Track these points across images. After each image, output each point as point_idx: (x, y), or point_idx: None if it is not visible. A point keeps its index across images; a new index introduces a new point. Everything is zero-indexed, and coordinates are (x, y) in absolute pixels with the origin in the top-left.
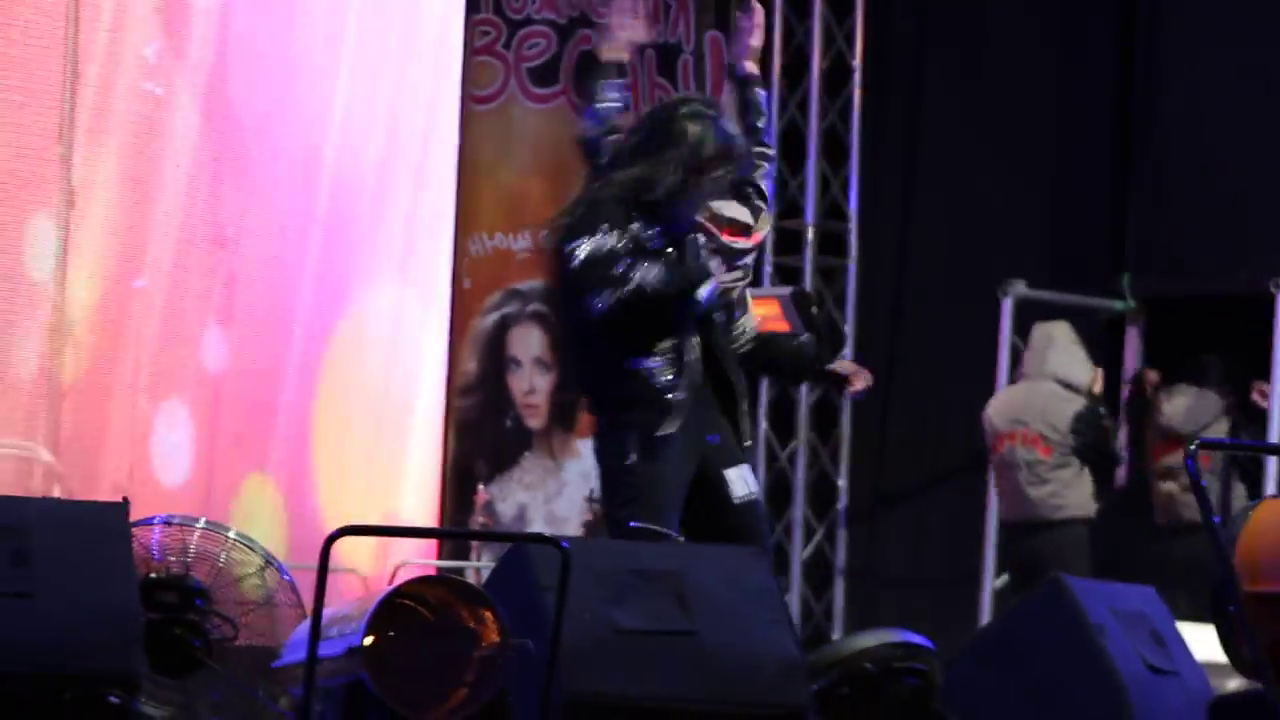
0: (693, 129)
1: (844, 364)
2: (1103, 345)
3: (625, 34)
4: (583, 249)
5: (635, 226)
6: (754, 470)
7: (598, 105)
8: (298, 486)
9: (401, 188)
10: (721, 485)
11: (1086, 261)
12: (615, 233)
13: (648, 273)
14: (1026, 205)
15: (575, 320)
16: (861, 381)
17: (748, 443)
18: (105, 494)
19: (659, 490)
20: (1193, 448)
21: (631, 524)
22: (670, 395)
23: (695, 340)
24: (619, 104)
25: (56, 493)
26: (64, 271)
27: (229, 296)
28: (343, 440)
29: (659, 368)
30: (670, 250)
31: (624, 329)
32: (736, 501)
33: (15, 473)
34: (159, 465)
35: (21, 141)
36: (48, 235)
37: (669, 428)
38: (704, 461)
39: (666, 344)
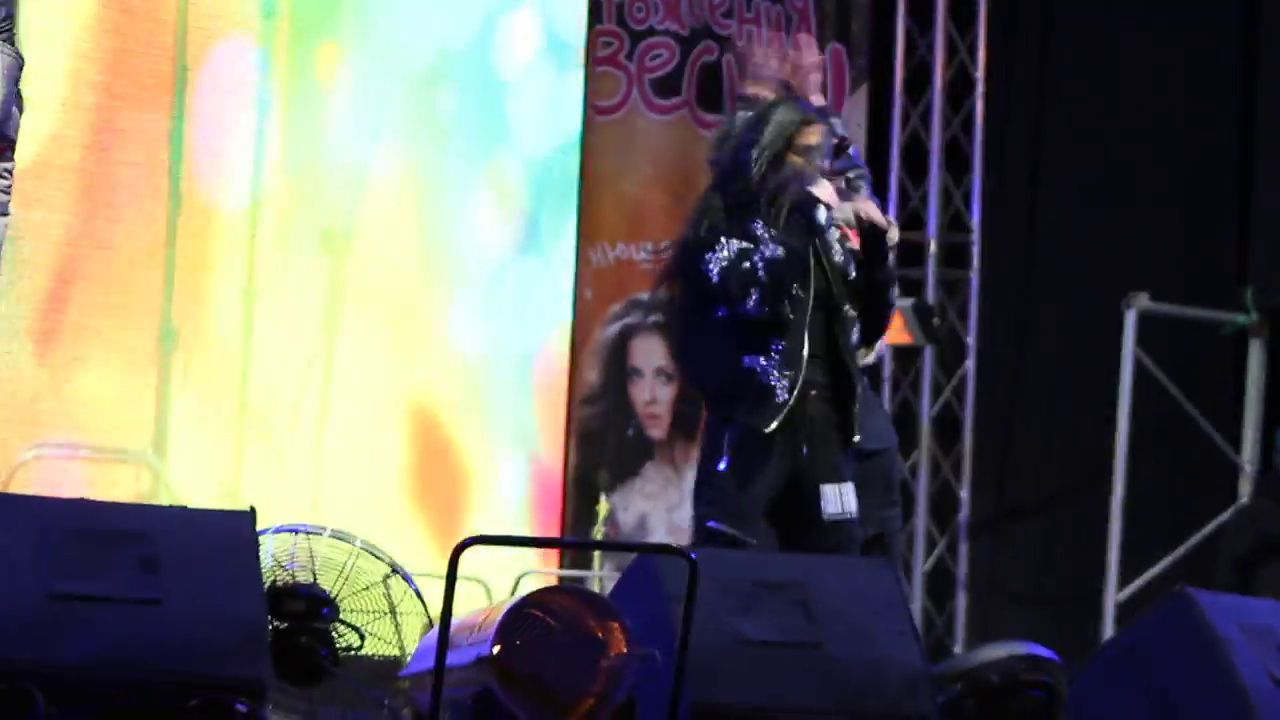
0: (772, 114)
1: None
2: (1226, 358)
3: (767, 72)
4: (713, 264)
5: (751, 225)
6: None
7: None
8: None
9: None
10: (814, 500)
11: (1211, 274)
12: (733, 239)
13: (768, 253)
14: (1151, 217)
15: (697, 324)
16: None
17: (857, 437)
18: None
19: (744, 494)
20: None
21: (710, 524)
22: (777, 393)
23: (808, 341)
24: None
25: (164, 500)
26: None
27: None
28: (465, 447)
29: (771, 366)
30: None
31: (747, 327)
32: (825, 519)
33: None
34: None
35: None
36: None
37: (769, 425)
38: (799, 471)
39: (782, 343)
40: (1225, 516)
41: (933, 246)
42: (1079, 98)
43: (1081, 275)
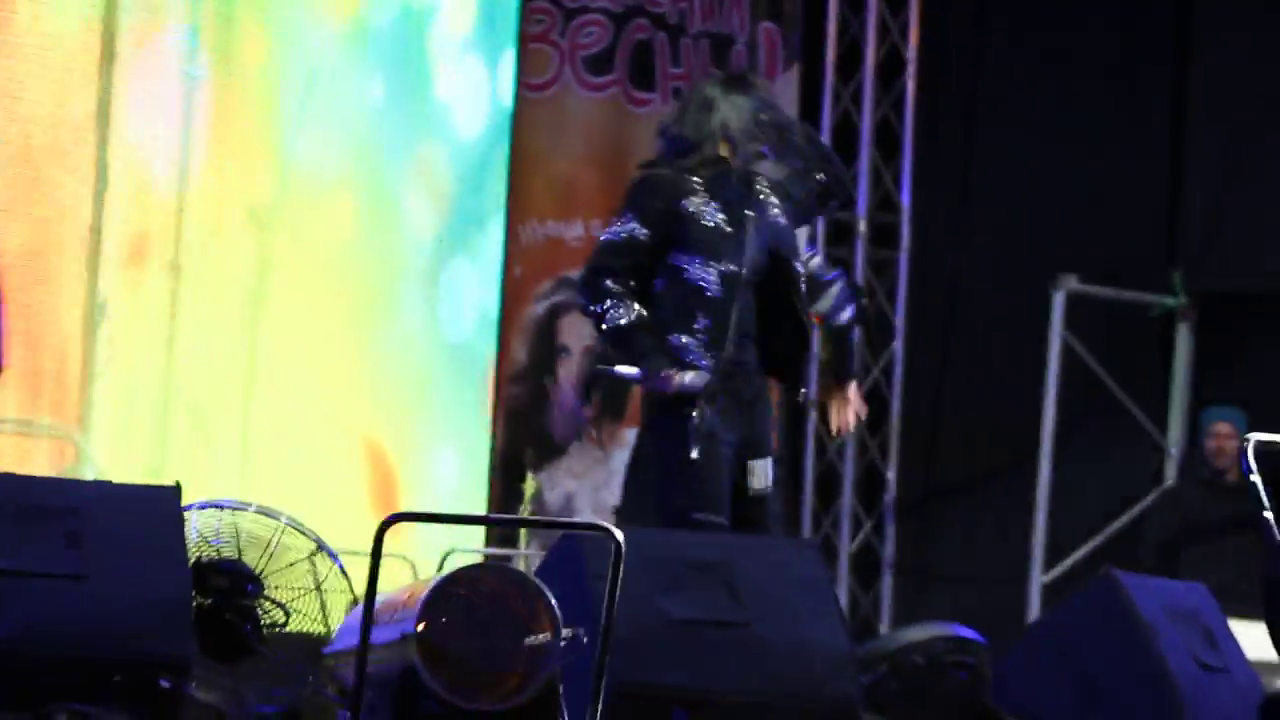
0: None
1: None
2: (1153, 341)
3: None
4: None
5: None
6: (794, 461)
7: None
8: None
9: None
10: (742, 473)
11: (1139, 257)
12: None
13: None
14: (1080, 199)
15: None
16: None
17: (804, 389)
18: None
19: (715, 479)
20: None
21: (695, 516)
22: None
23: (735, 315)
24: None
25: (89, 475)
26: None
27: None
28: (391, 426)
29: (693, 344)
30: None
31: (672, 303)
32: (751, 493)
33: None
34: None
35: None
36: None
37: (708, 415)
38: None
39: (707, 321)
40: (1149, 500)
41: (862, 226)
42: (1010, 79)
43: (1010, 257)
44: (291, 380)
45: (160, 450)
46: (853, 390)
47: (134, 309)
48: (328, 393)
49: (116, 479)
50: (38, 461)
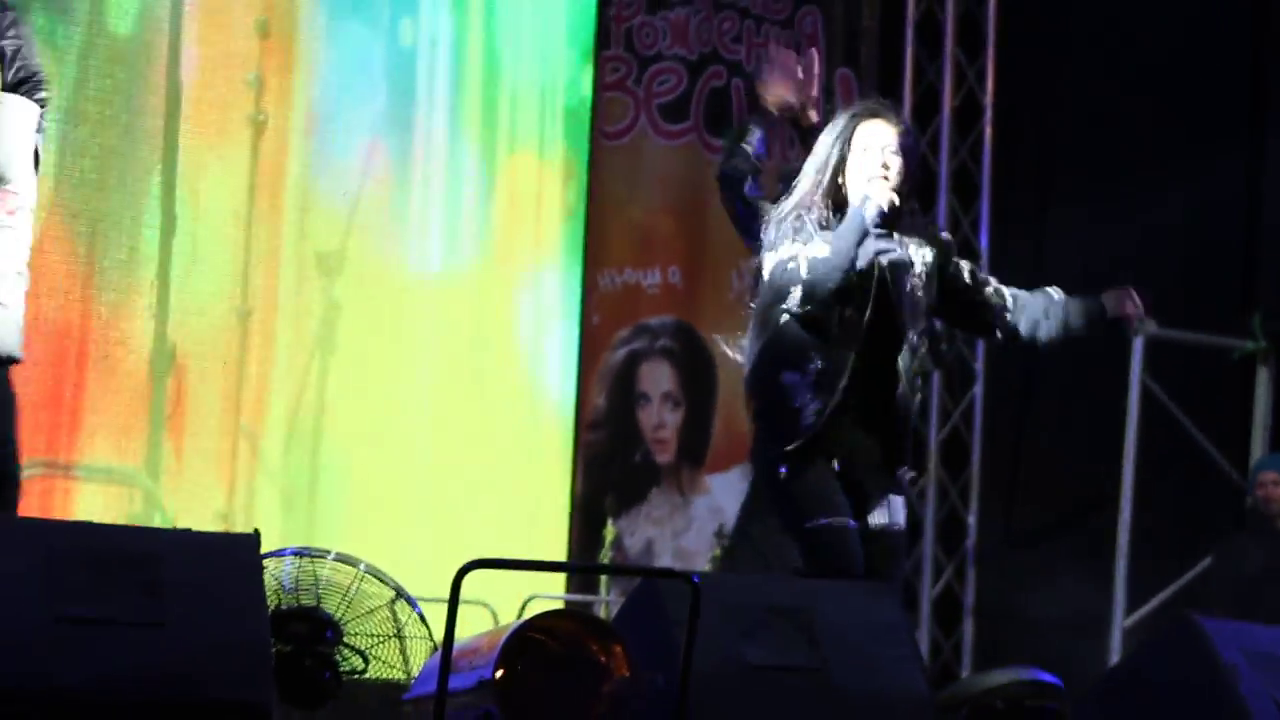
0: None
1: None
2: (1233, 385)
3: (781, 90)
4: (766, 262)
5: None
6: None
7: (745, 144)
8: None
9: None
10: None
11: (1218, 301)
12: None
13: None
14: (1159, 243)
15: (758, 332)
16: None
17: (908, 471)
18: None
19: (818, 487)
20: None
21: (808, 525)
22: (804, 416)
23: (849, 361)
24: (761, 148)
25: (158, 521)
26: (167, 296)
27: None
28: (475, 474)
29: (804, 386)
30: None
31: (791, 343)
32: (871, 527)
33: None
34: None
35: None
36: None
37: (789, 446)
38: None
39: (820, 363)
40: (1207, 561)
41: None
42: (1086, 123)
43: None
44: (362, 425)
45: (228, 497)
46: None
47: (201, 354)
48: (404, 438)
49: (184, 525)
50: (107, 509)
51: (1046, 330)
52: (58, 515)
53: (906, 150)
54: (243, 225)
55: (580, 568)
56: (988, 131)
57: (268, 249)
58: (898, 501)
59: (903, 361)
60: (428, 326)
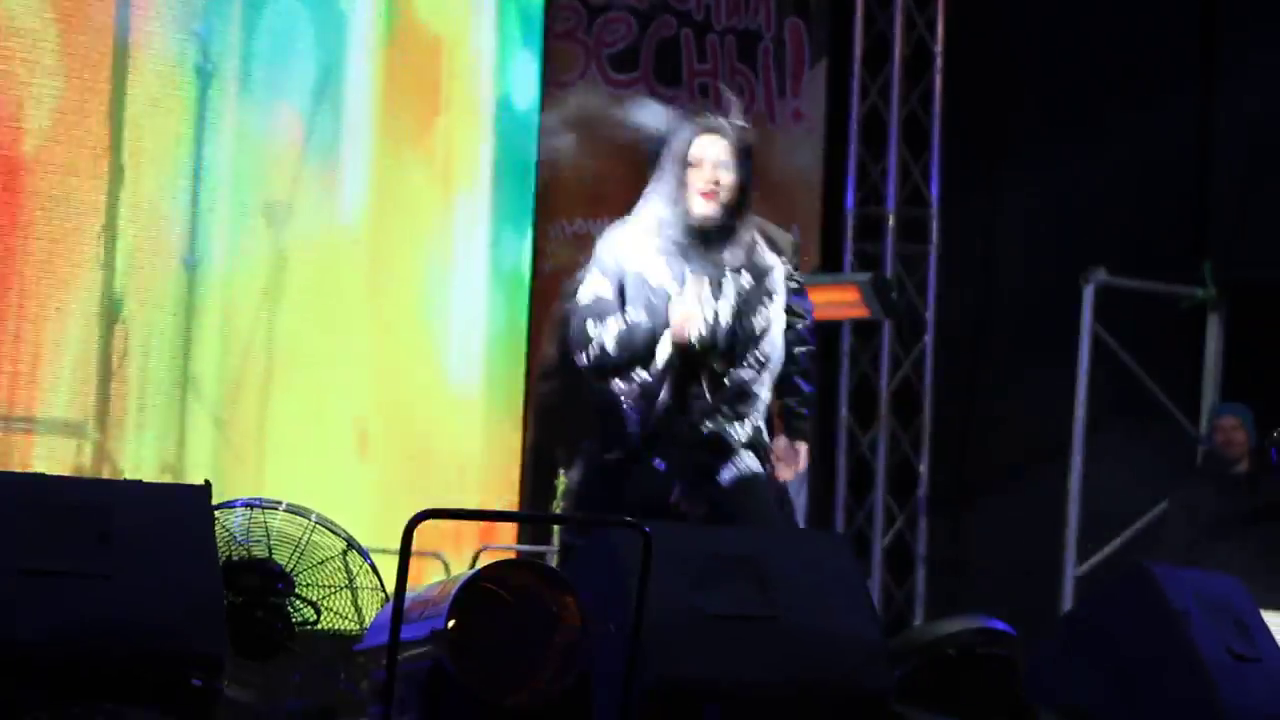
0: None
1: (778, 447)
2: (1184, 333)
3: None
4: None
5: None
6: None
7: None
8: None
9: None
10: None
11: (1169, 249)
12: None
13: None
14: (1110, 192)
15: None
16: (787, 471)
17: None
18: (152, 475)
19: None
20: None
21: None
22: (628, 424)
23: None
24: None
25: (106, 473)
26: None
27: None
28: (425, 425)
29: (628, 396)
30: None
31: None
32: (723, 484)
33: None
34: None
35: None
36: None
37: (613, 454)
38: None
39: (644, 375)
40: (1159, 509)
41: (891, 221)
42: (1038, 72)
43: (1040, 249)
44: (311, 376)
45: (178, 448)
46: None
47: (149, 306)
48: (352, 388)
49: (134, 477)
50: (57, 460)
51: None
52: (4, 468)
53: (739, 161)
54: (190, 175)
55: (532, 518)
56: (938, 80)
57: (215, 199)
58: (744, 458)
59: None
60: (374, 277)
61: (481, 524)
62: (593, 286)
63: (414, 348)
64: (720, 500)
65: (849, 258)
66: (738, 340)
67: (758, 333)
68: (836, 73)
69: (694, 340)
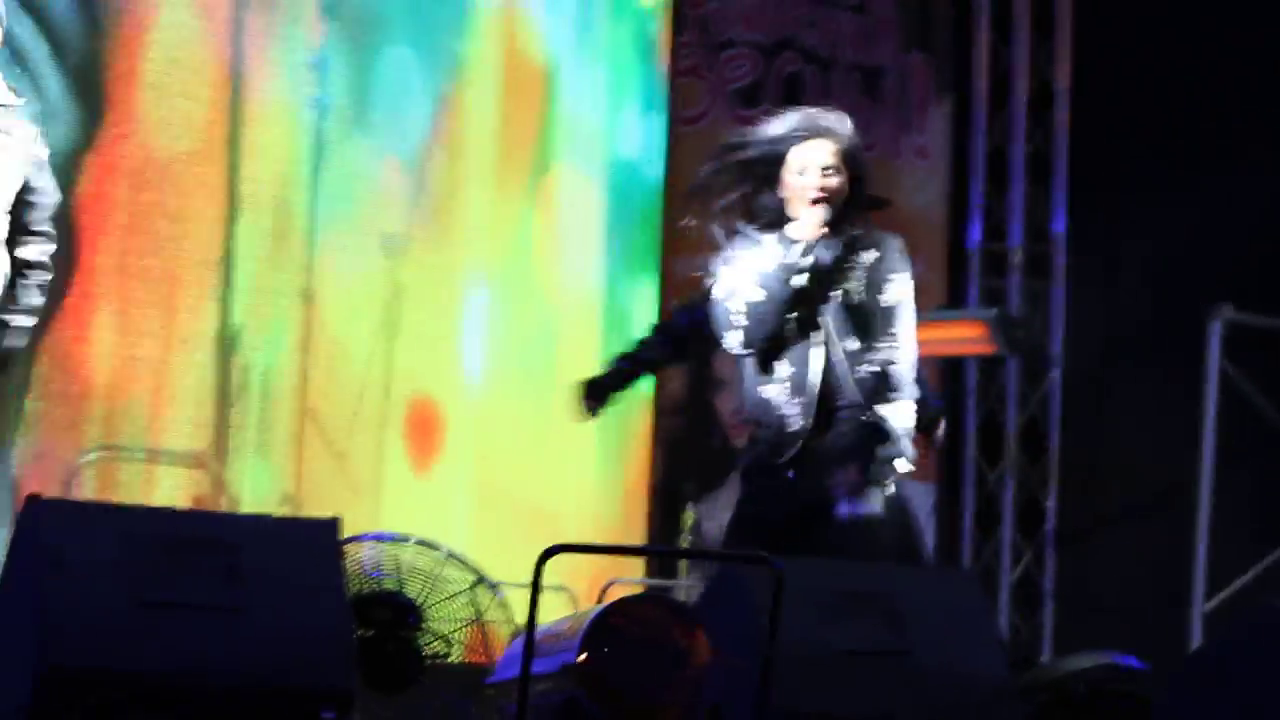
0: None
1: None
2: None
3: None
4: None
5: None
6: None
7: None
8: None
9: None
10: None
11: None
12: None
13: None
14: (1237, 227)
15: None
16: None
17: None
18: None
19: (743, 521)
20: None
21: None
22: (790, 422)
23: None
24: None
25: (224, 504)
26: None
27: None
28: (554, 460)
29: (780, 395)
30: None
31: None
32: (841, 520)
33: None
34: None
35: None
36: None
37: (781, 457)
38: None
39: (788, 368)
40: None
41: (1016, 257)
42: (1164, 106)
43: (1166, 285)
44: (431, 406)
45: (295, 478)
46: None
47: (267, 335)
48: (480, 424)
49: (251, 507)
50: (174, 491)
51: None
52: (125, 498)
53: (846, 165)
54: (305, 207)
55: (666, 552)
56: (1063, 115)
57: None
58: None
59: (851, 363)
60: (503, 313)
61: (608, 558)
62: (724, 283)
63: (541, 382)
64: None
65: (974, 293)
66: (872, 316)
67: (890, 305)
68: (960, 109)
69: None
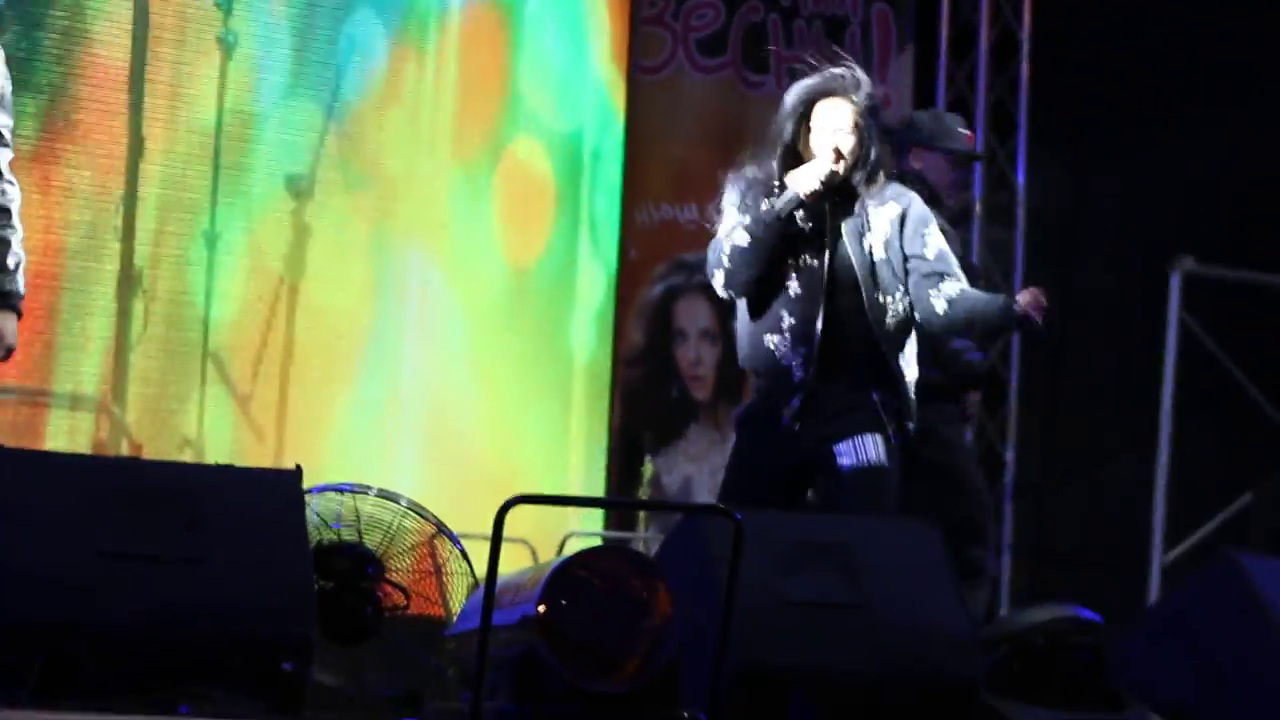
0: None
1: (1022, 297)
2: (1274, 322)
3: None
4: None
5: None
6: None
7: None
8: (463, 454)
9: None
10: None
11: (1260, 237)
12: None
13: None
14: (1200, 178)
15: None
16: (1037, 308)
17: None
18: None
19: (738, 471)
20: None
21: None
22: (794, 372)
23: (819, 313)
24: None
25: (125, 448)
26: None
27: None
28: (512, 408)
29: (784, 344)
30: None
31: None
32: (844, 472)
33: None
34: None
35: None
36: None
37: (782, 407)
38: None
39: (791, 320)
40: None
41: (977, 208)
42: (1125, 57)
43: (1128, 237)
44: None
45: (196, 423)
46: None
47: (169, 280)
48: (435, 372)
49: (151, 455)
50: (75, 435)
51: (967, 323)
52: (26, 443)
53: (864, 125)
54: (211, 149)
55: (620, 503)
56: (1024, 66)
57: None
58: (868, 441)
59: (872, 315)
60: (456, 263)
61: (567, 510)
62: (728, 221)
63: (497, 333)
64: (835, 491)
65: None
66: (893, 269)
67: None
68: (923, 59)
69: (829, 174)
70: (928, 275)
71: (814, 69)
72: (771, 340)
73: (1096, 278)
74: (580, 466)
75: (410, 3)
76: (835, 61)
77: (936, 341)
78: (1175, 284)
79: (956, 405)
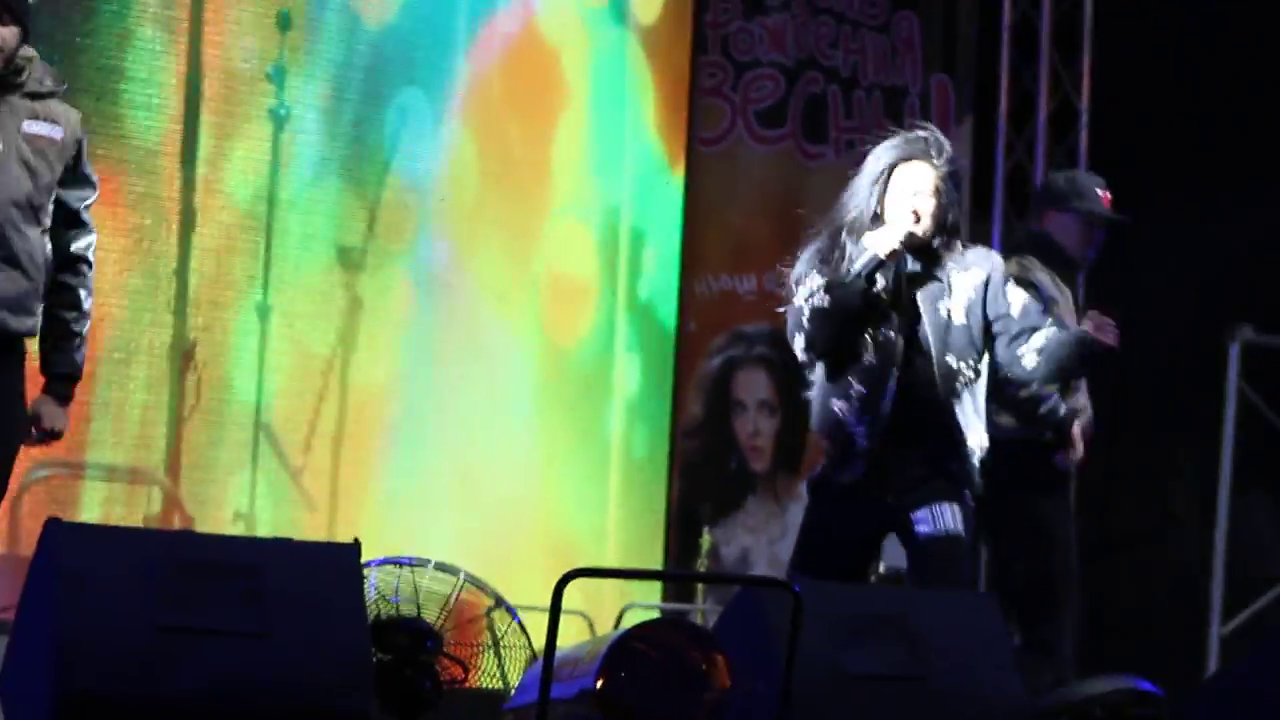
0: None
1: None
2: None
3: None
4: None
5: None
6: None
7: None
8: (520, 526)
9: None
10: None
11: None
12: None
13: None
14: (1255, 248)
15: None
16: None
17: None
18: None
19: (810, 536)
20: None
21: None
22: (856, 441)
23: (890, 382)
24: None
25: (176, 521)
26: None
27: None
28: (571, 481)
29: (850, 412)
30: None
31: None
32: (921, 539)
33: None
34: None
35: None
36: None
37: (846, 475)
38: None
39: (861, 388)
40: None
41: None
42: (1182, 126)
43: (1185, 308)
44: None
45: (249, 495)
46: None
47: (222, 351)
48: (497, 445)
49: (203, 527)
50: (127, 508)
51: (1058, 367)
52: (71, 516)
53: (944, 189)
54: (263, 220)
55: (684, 576)
56: (1083, 136)
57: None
58: (945, 510)
59: (942, 382)
60: (510, 333)
61: (625, 583)
62: (808, 285)
63: (562, 400)
64: (913, 560)
65: None
66: (971, 335)
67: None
68: (981, 129)
69: (907, 235)
70: (1017, 335)
71: (879, 140)
72: (839, 406)
73: (1155, 349)
74: (639, 539)
75: (454, 78)
76: (913, 127)
77: (1022, 401)
78: (1234, 354)
79: (1041, 461)
